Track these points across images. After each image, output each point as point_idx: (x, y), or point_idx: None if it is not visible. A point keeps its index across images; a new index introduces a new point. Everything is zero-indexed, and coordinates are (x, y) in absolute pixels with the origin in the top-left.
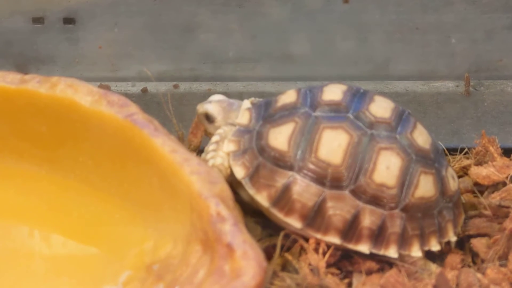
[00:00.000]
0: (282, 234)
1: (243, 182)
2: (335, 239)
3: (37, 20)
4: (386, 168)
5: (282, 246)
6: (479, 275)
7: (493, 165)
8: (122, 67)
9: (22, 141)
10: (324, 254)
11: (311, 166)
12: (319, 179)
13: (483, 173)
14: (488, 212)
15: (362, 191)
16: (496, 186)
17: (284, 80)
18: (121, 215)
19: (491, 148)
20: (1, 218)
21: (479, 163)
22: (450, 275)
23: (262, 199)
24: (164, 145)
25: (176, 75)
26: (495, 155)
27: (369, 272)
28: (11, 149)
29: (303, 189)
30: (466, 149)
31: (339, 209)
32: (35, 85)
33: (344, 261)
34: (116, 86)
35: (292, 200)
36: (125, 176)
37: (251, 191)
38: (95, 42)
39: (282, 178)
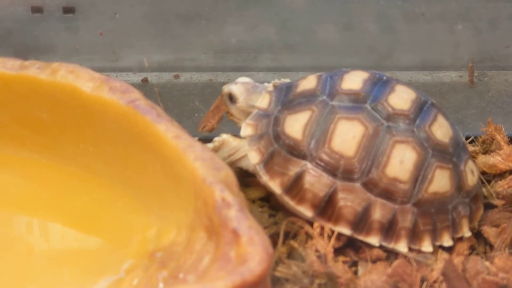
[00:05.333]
0: (285, 221)
1: (258, 168)
2: (345, 230)
3: (36, 10)
4: (400, 162)
5: (288, 234)
6: (487, 263)
7: (500, 154)
8: (122, 57)
9: (23, 128)
10: (329, 238)
11: (324, 157)
12: (331, 170)
13: (490, 161)
14: (498, 202)
15: (374, 184)
16: (503, 175)
17: (286, 70)
18: (123, 202)
19: (498, 136)
20: (2, 206)
21: (485, 152)
22: (456, 261)
23: (275, 186)
24: (167, 131)
25: (177, 65)
26: (502, 143)
27: (376, 260)
28: (12, 136)
29: (315, 179)
30: (472, 138)
31: (350, 201)
32: (35, 71)
33: (350, 249)
34: (116, 76)
35: (304, 190)
36: (127, 163)
37: (265, 177)
38: (95, 31)
39: (295, 167)
